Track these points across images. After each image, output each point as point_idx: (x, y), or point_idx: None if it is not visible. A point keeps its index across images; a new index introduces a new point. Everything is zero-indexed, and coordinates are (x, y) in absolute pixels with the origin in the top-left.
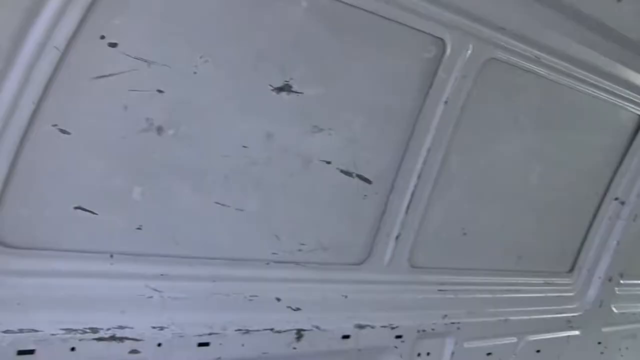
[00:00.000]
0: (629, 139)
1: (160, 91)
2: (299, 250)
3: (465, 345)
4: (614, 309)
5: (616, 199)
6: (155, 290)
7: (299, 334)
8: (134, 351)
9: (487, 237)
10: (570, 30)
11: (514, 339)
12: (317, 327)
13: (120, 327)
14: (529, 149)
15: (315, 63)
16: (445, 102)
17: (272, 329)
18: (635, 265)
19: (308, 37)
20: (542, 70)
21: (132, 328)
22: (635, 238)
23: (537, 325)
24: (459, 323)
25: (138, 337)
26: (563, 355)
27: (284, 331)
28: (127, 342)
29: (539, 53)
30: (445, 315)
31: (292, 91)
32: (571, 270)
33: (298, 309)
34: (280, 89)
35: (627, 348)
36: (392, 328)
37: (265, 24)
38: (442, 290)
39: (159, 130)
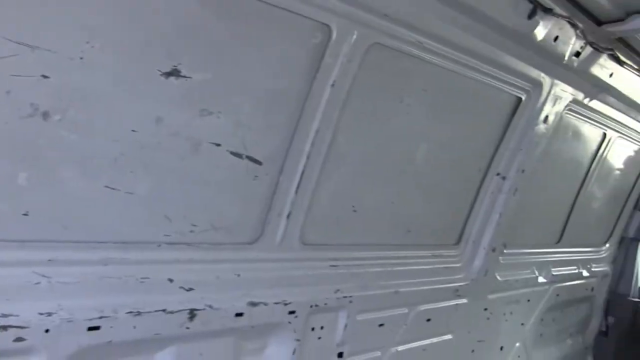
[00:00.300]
0: (508, 119)
1: (45, 76)
2: (191, 231)
3: (358, 317)
4: (498, 277)
5: (498, 174)
6: (43, 276)
7: (192, 314)
8: (19, 339)
9: (376, 214)
10: (450, 17)
11: (405, 310)
12: (210, 307)
13: (4, 316)
14: (415, 129)
15: (204, 48)
16: (332, 85)
17: (164, 310)
18: (517, 236)
19: (196, 22)
20: (425, 55)
21: (17, 316)
22: (515, 210)
23: (427, 295)
24: (351, 297)
25: (23, 325)
26: (452, 323)
27: (177, 311)
28: (11, 330)
29: (421, 38)
30: (338, 290)
31: (181, 76)
32: (458, 242)
33: (191, 289)
34: (168, 74)
35: (511, 313)
36: (285, 304)
37: (153, 9)
38: (334, 265)
39: (45, 115)
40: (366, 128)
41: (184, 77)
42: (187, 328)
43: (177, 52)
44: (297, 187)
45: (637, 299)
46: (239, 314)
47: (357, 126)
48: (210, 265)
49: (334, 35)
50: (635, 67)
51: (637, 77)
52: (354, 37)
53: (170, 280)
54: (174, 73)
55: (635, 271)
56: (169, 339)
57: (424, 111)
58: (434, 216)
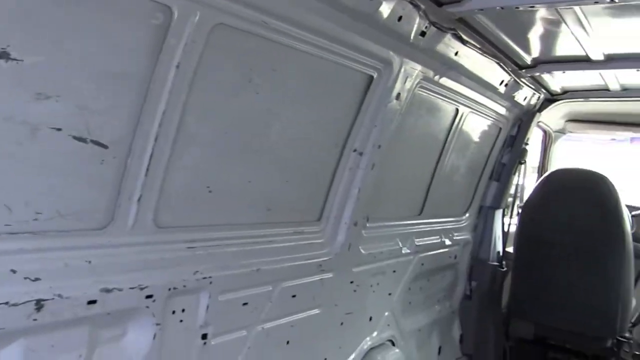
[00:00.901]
0: (361, 97)
1: None
2: (35, 219)
3: (220, 298)
4: (362, 250)
5: (354, 150)
6: None
7: (39, 305)
8: None
9: (234, 193)
10: None
11: (269, 287)
12: (60, 296)
13: None
14: (266, 109)
15: (35, 29)
16: (177, 67)
17: (6, 303)
18: (379, 209)
19: (26, 3)
20: (272, 35)
21: None
22: (375, 185)
23: (291, 272)
24: (211, 277)
25: None
26: (318, 297)
27: (22, 303)
28: None
29: (266, 19)
30: (197, 271)
31: (11, 58)
32: (319, 218)
33: (37, 279)
34: None
35: (377, 284)
36: (142, 289)
37: None
38: (192, 247)
39: None
40: (216, 108)
41: (14, 59)
42: (35, 320)
43: (6, 34)
44: (147, 170)
45: (495, 263)
46: (92, 302)
47: (206, 107)
48: (57, 254)
49: (176, 16)
50: (478, 46)
51: (480, 55)
52: (197, 17)
53: (13, 272)
54: (3, 56)
55: (493, 237)
56: (15, 333)
57: (274, 91)
58: (294, 193)
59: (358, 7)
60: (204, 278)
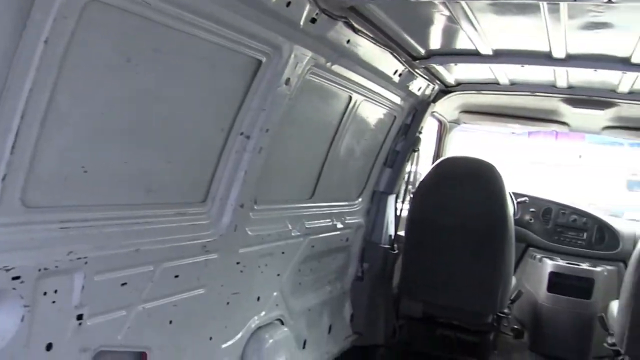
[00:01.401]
0: (249, 81)
1: None
2: None
3: (96, 278)
4: (249, 232)
5: (241, 134)
6: None
7: None
8: None
9: (111, 174)
10: None
11: (150, 267)
12: None
13: None
14: (148, 90)
15: None
16: (46, 42)
17: None
18: (268, 192)
19: None
20: (153, 15)
21: None
22: (263, 168)
23: (173, 252)
24: (86, 258)
25: None
26: (203, 277)
27: None
28: None
29: None
30: (71, 252)
31: None
32: (204, 200)
33: None
34: None
35: (266, 265)
36: (7, 270)
37: None
38: (65, 227)
39: None
40: (91, 88)
41: None
42: None
43: None
44: (12, 148)
45: (387, 246)
46: None
47: (80, 86)
48: None
49: None
50: (370, 35)
51: (373, 45)
52: None
53: None
54: None
55: (386, 221)
56: None
57: (156, 72)
58: (178, 175)
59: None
60: (79, 258)
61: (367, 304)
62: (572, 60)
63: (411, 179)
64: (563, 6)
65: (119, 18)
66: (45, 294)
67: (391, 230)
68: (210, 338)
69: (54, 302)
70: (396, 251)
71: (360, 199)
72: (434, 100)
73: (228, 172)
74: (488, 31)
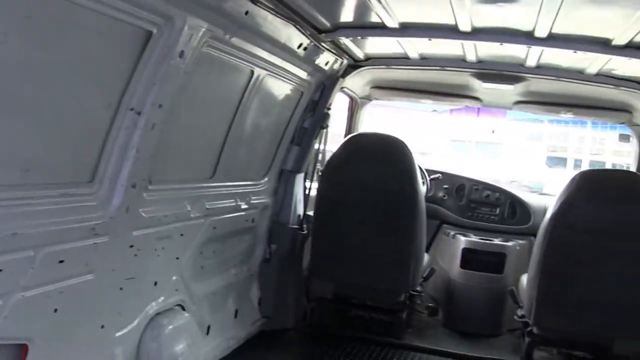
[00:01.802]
0: (139, 54)
1: None
2: None
3: None
4: (143, 214)
5: (132, 109)
6: None
7: None
8: None
9: None
10: None
11: (30, 252)
12: None
13: None
14: (21, 61)
15: None
16: None
17: None
18: (164, 172)
19: None
20: None
21: None
22: (157, 146)
23: (56, 236)
24: None
25: None
26: (92, 262)
27: None
28: None
29: None
30: None
31: None
32: (92, 180)
33: None
34: None
35: (163, 248)
36: None
37: None
38: None
39: None
40: None
41: None
42: None
43: None
44: None
45: (296, 226)
46: None
47: None
48: None
49: None
50: (271, 6)
51: (274, 16)
52: None
53: None
54: None
55: (294, 201)
56: None
57: (29, 41)
58: (60, 154)
59: None
60: None
61: (276, 287)
62: (478, 33)
63: (320, 157)
64: None
65: None
66: None
67: (300, 210)
68: (103, 326)
69: None
70: (305, 231)
71: (266, 179)
72: (343, 76)
73: (117, 150)
74: (394, 4)
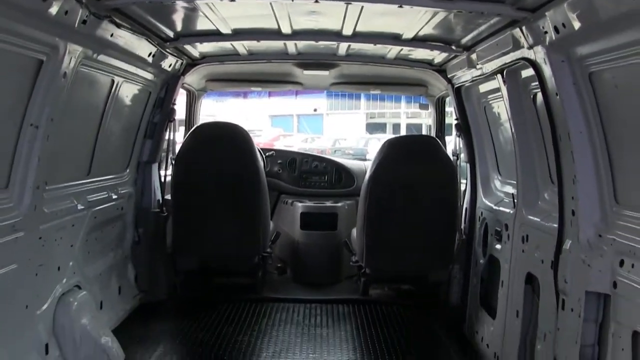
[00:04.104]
0: (33, 78)
1: None
2: None
3: None
4: (45, 210)
5: (32, 125)
6: None
7: None
8: None
9: None
10: None
11: None
12: None
13: None
14: None
15: None
16: None
17: None
18: (56, 174)
19: None
20: None
21: None
22: (51, 153)
23: None
24: None
25: None
26: (15, 254)
27: None
28: None
29: None
30: None
31: None
32: (7, 186)
33: None
34: None
35: (61, 238)
36: None
37: None
38: None
39: None
40: None
41: None
42: None
43: None
44: None
45: (157, 210)
46: None
47: None
48: None
49: None
50: (129, 27)
51: (131, 34)
52: None
53: None
54: None
55: (153, 188)
56: None
57: None
58: None
59: (30, 5)
60: None
61: (147, 265)
62: (297, 35)
63: (170, 146)
64: None
65: None
66: None
67: (159, 196)
68: (27, 307)
69: None
70: (165, 214)
71: (127, 170)
72: (183, 74)
73: (24, 159)
74: (227, 16)
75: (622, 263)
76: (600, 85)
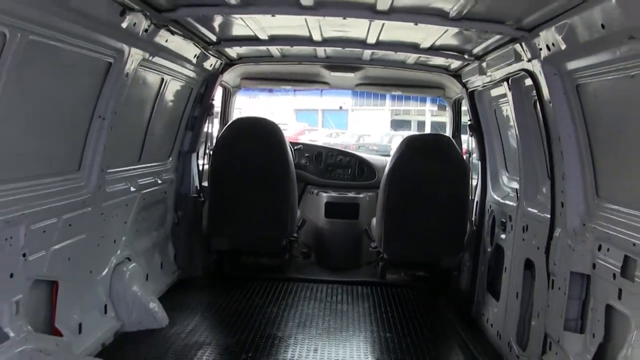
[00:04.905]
0: (104, 76)
1: None
2: None
3: (32, 227)
4: (107, 190)
5: (100, 117)
6: None
7: None
8: None
9: (13, 152)
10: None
11: (54, 220)
12: None
13: None
14: (25, 92)
15: None
16: None
17: None
18: (115, 159)
19: None
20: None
21: None
22: (112, 141)
23: (67, 208)
24: (24, 213)
25: None
26: (84, 225)
27: None
28: None
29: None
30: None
31: None
32: (79, 168)
33: None
34: None
35: (117, 215)
36: None
37: None
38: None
39: None
40: None
41: None
42: None
43: None
44: None
45: (195, 195)
46: None
47: None
48: None
49: None
50: (182, 34)
51: (182, 39)
52: None
53: None
54: None
55: (192, 175)
56: None
57: (42, 74)
58: (55, 152)
59: (108, 18)
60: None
61: (185, 245)
62: (326, 42)
63: (209, 138)
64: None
65: None
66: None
67: (196, 182)
68: (90, 272)
69: (11, 245)
70: (202, 199)
71: (170, 159)
72: (222, 72)
73: (92, 146)
74: (265, 25)
75: (600, 248)
76: (585, 95)
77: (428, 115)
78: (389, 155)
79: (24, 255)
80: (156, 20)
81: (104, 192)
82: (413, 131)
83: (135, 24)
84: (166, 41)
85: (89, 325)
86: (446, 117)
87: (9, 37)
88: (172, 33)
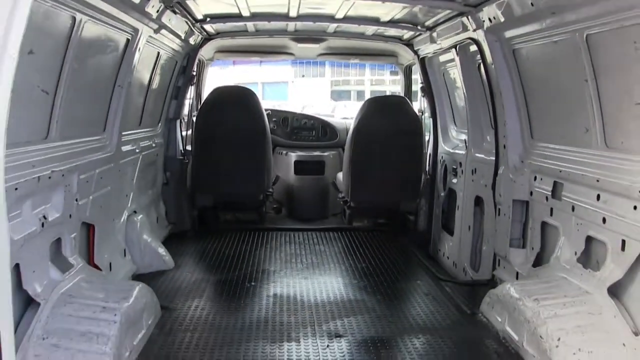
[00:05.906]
0: (124, 49)
1: None
2: None
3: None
4: (123, 150)
5: (119, 85)
6: None
7: None
8: None
9: (75, 116)
10: None
11: (92, 172)
12: None
13: None
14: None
15: None
16: None
17: None
18: (128, 122)
19: None
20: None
21: None
22: (126, 105)
23: (99, 163)
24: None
25: None
26: (109, 179)
27: None
28: None
29: None
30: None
31: None
32: (104, 130)
33: None
34: None
35: (127, 173)
36: None
37: None
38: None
39: None
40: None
41: None
42: None
43: None
44: None
45: (181, 157)
46: None
47: None
48: None
49: None
50: (179, 13)
51: (180, 18)
52: None
53: None
54: None
55: (177, 139)
56: None
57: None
58: (91, 116)
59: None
60: (74, 166)
61: (174, 202)
62: (300, 17)
63: (192, 105)
64: None
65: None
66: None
67: (181, 146)
68: (113, 219)
69: (69, 191)
70: (187, 160)
71: (160, 125)
72: (201, 46)
73: (113, 111)
74: (251, 3)
75: (535, 178)
76: (520, 58)
77: (367, 85)
78: (347, 118)
79: (76, 200)
80: (166, 2)
81: (120, 151)
82: (353, 101)
83: (153, 5)
84: (169, 20)
85: (117, 266)
86: (386, 86)
87: (77, 21)
88: (175, 13)
